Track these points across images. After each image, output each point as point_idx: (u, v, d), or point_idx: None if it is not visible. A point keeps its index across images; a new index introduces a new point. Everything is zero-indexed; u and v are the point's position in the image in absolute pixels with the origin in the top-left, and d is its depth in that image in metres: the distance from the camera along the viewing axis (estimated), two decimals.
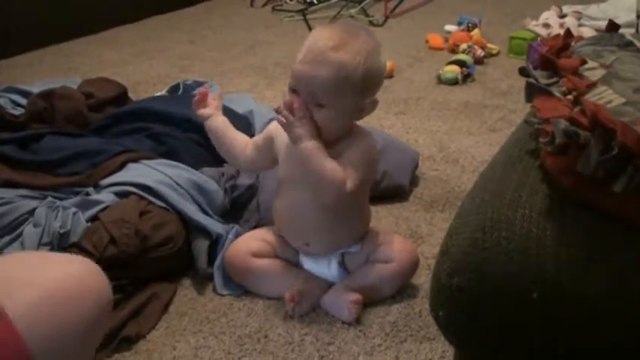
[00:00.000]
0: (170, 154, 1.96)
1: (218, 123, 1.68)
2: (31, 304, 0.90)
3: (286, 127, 1.48)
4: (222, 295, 1.66)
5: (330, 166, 1.48)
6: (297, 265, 1.67)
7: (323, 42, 1.47)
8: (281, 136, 1.58)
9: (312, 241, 1.62)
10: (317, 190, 1.53)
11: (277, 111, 1.50)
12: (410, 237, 1.84)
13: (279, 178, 1.65)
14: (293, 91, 1.50)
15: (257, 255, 1.65)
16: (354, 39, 1.49)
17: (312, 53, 1.47)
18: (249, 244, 1.67)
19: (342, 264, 1.64)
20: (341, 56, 1.46)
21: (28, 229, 1.64)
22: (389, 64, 3.03)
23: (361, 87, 1.49)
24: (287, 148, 1.59)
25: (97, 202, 1.72)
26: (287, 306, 1.58)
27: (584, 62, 1.09)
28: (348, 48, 1.47)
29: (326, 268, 1.64)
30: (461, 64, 3.00)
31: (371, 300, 1.61)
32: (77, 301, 0.95)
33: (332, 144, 1.53)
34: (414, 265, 1.64)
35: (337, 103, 1.48)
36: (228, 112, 2.23)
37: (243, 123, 2.22)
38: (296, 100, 1.47)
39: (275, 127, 1.61)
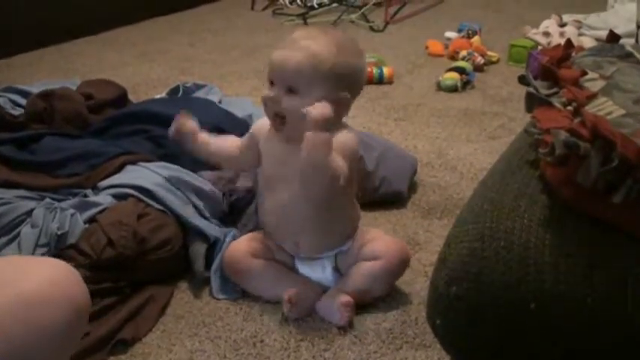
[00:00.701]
0: (169, 157, 1.96)
1: (204, 137, 1.72)
2: (2, 308, 0.90)
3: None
4: (218, 299, 1.65)
5: (334, 161, 1.48)
6: (292, 269, 1.67)
7: (298, 34, 1.55)
8: (265, 135, 1.62)
9: (302, 240, 1.63)
10: (310, 182, 1.51)
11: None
12: (407, 244, 1.83)
13: (263, 178, 1.68)
14: (271, 83, 1.54)
15: (255, 255, 1.65)
16: (330, 35, 1.55)
17: (287, 42, 1.54)
18: (248, 244, 1.67)
19: (336, 268, 1.64)
20: (312, 44, 1.51)
21: (26, 230, 1.64)
22: (388, 70, 3.04)
23: (333, 79, 1.51)
24: (271, 147, 1.62)
25: (95, 204, 1.72)
26: (284, 307, 1.57)
27: (584, 73, 1.09)
28: (320, 40, 1.52)
29: (321, 273, 1.65)
30: (460, 71, 3.00)
31: (364, 301, 1.61)
32: (51, 306, 0.93)
33: None
34: (403, 262, 1.64)
35: (308, 90, 1.50)
36: (227, 115, 2.24)
37: (243, 127, 2.21)
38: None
39: (259, 127, 1.66)
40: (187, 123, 1.71)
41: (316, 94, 1.50)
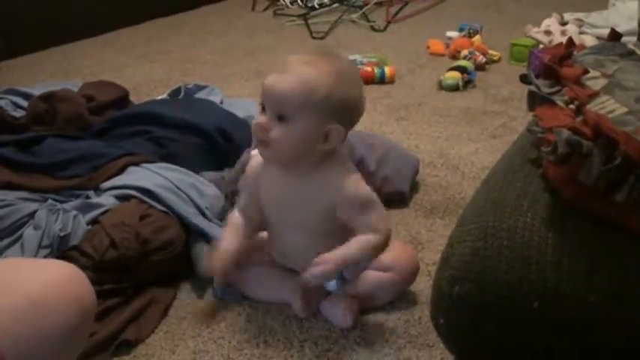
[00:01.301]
0: (171, 158, 1.96)
1: (236, 247, 1.59)
2: (9, 310, 0.90)
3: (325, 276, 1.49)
4: (221, 300, 1.65)
5: (359, 254, 1.49)
6: (295, 272, 1.66)
7: (294, 58, 1.46)
8: (263, 179, 1.57)
9: (306, 267, 1.61)
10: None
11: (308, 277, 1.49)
12: (410, 243, 1.83)
13: (265, 219, 1.61)
14: (263, 108, 1.47)
15: (256, 263, 1.64)
16: (327, 61, 1.45)
17: (282, 66, 1.45)
18: (246, 253, 1.66)
19: (340, 277, 1.63)
20: (307, 70, 1.42)
21: (28, 232, 1.64)
22: (390, 70, 3.04)
23: (326, 108, 1.42)
24: (272, 192, 1.57)
25: (98, 206, 1.72)
26: (295, 307, 1.57)
27: (586, 71, 1.09)
28: (317, 66, 1.43)
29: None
30: (462, 70, 3.00)
31: (370, 307, 1.61)
32: (57, 308, 0.94)
33: (312, 170, 1.50)
34: (413, 273, 1.63)
35: (298, 117, 1.42)
36: (229, 116, 2.25)
37: (244, 127, 2.21)
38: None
39: (255, 171, 1.59)
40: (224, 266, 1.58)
41: (306, 123, 1.43)
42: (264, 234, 1.70)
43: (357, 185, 1.50)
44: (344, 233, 1.49)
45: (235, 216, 1.63)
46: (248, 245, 1.61)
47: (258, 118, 1.47)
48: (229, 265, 1.55)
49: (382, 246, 1.50)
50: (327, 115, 1.43)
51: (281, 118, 1.43)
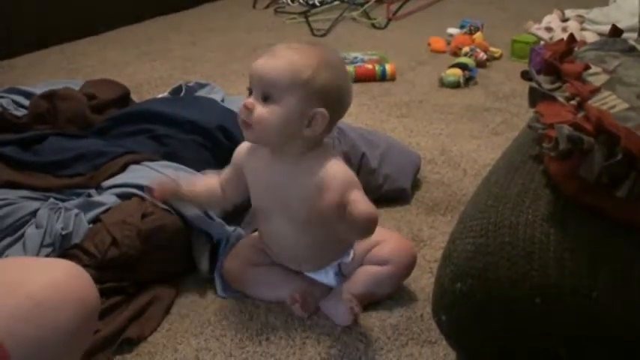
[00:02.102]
0: (172, 156, 1.96)
1: (189, 192, 1.67)
2: (14, 310, 0.90)
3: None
4: (223, 298, 1.66)
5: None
6: (295, 271, 1.66)
7: (281, 45, 1.50)
8: (250, 163, 1.59)
9: (303, 262, 1.63)
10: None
11: None
12: (412, 240, 1.83)
13: (253, 207, 1.65)
14: (249, 91, 1.49)
15: (255, 263, 1.65)
16: (314, 48, 1.50)
17: (269, 51, 1.49)
18: (245, 254, 1.66)
19: (338, 273, 1.64)
20: (294, 54, 1.46)
21: (30, 231, 1.64)
22: (391, 67, 3.04)
23: (310, 91, 1.44)
24: (257, 178, 1.58)
25: (99, 204, 1.72)
26: (294, 307, 1.57)
27: (587, 67, 1.09)
28: (303, 52, 1.47)
29: (324, 277, 1.64)
30: (463, 67, 3.00)
31: (370, 301, 1.61)
32: (62, 307, 0.94)
33: (301, 159, 1.51)
34: (410, 265, 1.63)
35: (283, 98, 1.44)
36: (230, 114, 2.24)
37: None
38: None
39: (242, 154, 1.61)
40: (165, 190, 1.65)
41: (290, 104, 1.44)
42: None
43: (344, 170, 1.51)
44: (329, 223, 1.47)
45: (212, 176, 1.70)
46: (194, 193, 1.67)
47: (245, 100, 1.49)
48: (170, 185, 1.65)
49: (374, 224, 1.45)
50: (312, 98, 1.45)
51: (266, 98, 1.45)
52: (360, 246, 1.62)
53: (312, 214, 1.51)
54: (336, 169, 1.50)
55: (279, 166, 1.53)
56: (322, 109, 1.46)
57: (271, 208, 1.57)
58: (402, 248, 1.64)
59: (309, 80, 1.44)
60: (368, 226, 1.38)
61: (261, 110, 1.45)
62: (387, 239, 1.63)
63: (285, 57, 1.45)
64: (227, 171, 1.68)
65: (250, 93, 1.49)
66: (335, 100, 1.49)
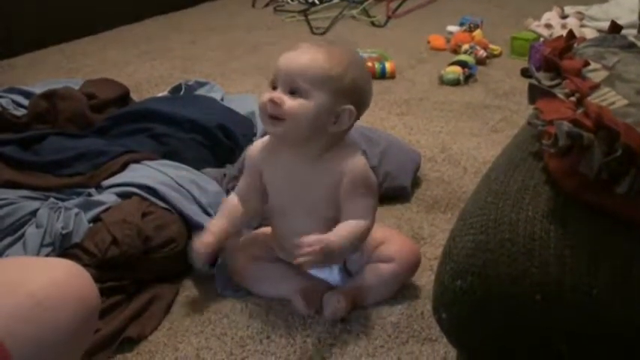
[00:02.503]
0: (172, 155, 1.96)
1: (221, 237, 1.60)
2: (14, 309, 0.90)
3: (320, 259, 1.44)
4: (224, 297, 1.66)
5: (352, 238, 1.49)
6: (298, 267, 1.66)
7: (310, 43, 1.52)
8: (267, 164, 1.59)
9: None
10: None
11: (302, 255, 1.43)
12: (412, 238, 1.83)
13: (270, 206, 1.63)
14: (273, 87, 1.49)
15: (257, 258, 1.65)
16: (341, 48, 1.52)
17: (296, 48, 1.51)
18: (249, 248, 1.66)
19: (343, 269, 1.64)
20: (323, 51, 1.48)
21: (30, 230, 1.64)
22: (390, 65, 3.03)
23: (339, 87, 1.46)
24: (278, 175, 1.58)
25: (99, 203, 1.72)
26: (297, 304, 1.57)
27: (586, 64, 1.09)
28: (332, 50, 1.49)
29: (328, 273, 1.64)
30: (463, 64, 3.00)
31: (373, 300, 1.61)
32: (62, 306, 0.94)
33: (321, 156, 1.52)
34: (414, 264, 1.64)
35: (311, 94, 1.45)
36: (230, 113, 2.25)
37: (246, 124, 2.22)
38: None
39: (257, 154, 1.61)
40: (202, 252, 1.58)
41: (321, 99, 1.45)
42: (267, 229, 1.70)
43: (366, 168, 1.53)
44: None
45: (230, 199, 1.66)
46: (236, 228, 1.63)
47: (268, 94, 1.48)
48: (209, 244, 1.56)
49: (366, 233, 1.52)
50: (341, 95, 1.47)
51: (294, 92, 1.46)
52: (366, 245, 1.62)
53: (331, 213, 1.53)
54: (356, 164, 1.51)
55: (301, 162, 1.53)
56: (350, 106, 1.48)
57: (291, 204, 1.58)
58: (408, 248, 1.64)
59: (340, 77, 1.46)
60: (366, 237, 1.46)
61: (292, 103, 1.45)
62: (393, 239, 1.64)
63: (316, 53, 1.47)
64: (243, 182, 1.65)
65: (274, 88, 1.49)
66: (361, 99, 1.52)
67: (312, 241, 1.42)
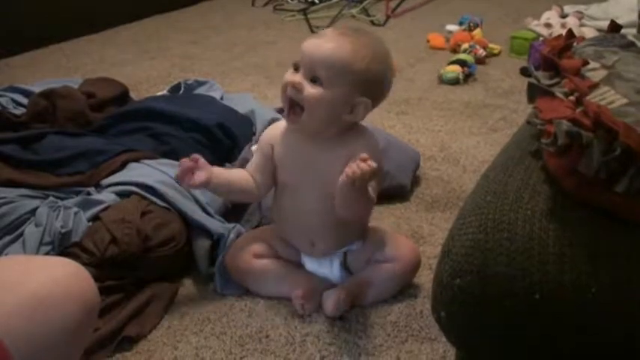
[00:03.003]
0: (171, 154, 1.96)
1: (219, 179, 1.56)
2: (14, 308, 0.90)
3: (365, 176, 1.39)
4: (223, 295, 1.66)
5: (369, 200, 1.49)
6: (298, 265, 1.67)
7: (337, 30, 1.51)
8: (280, 143, 1.58)
9: (317, 240, 1.62)
10: (351, 208, 1.51)
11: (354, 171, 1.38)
12: (411, 237, 1.83)
13: (281, 184, 1.62)
14: (295, 68, 1.49)
15: (258, 256, 1.65)
16: (367, 37, 1.51)
17: (324, 34, 1.50)
18: (249, 245, 1.66)
19: (344, 264, 1.64)
20: (348, 42, 1.46)
21: (30, 229, 1.64)
22: None
23: (359, 80, 1.47)
24: (290, 153, 1.57)
25: (99, 202, 1.72)
26: (296, 304, 1.57)
27: (585, 63, 1.09)
28: (357, 40, 1.48)
29: (328, 269, 1.64)
30: (462, 63, 3.00)
31: (373, 300, 1.61)
32: (62, 305, 0.94)
33: (334, 140, 1.53)
34: (416, 265, 1.64)
35: (331, 83, 1.45)
36: (229, 112, 2.24)
37: (245, 123, 2.22)
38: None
39: (271, 136, 1.60)
40: (198, 178, 1.54)
41: (339, 91, 1.46)
42: (267, 227, 1.71)
43: (376, 150, 1.54)
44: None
45: (241, 169, 1.67)
46: (231, 188, 1.61)
47: (291, 76, 1.48)
48: (201, 175, 1.53)
49: (368, 210, 1.54)
50: (360, 87, 1.47)
51: (315, 80, 1.46)
52: (367, 244, 1.63)
53: None
54: (367, 145, 1.51)
55: (313, 143, 1.53)
56: (367, 100, 1.49)
57: (302, 183, 1.57)
58: (408, 249, 1.65)
59: (361, 71, 1.46)
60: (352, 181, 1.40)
61: (311, 91, 1.46)
62: (394, 239, 1.65)
63: (343, 43, 1.46)
64: (256, 159, 1.64)
65: (296, 69, 1.49)
66: (379, 92, 1.53)
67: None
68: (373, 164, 1.37)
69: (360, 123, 1.57)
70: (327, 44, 1.46)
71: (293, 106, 1.49)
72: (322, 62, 1.45)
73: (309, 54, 1.46)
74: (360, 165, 1.36)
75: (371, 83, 1.49)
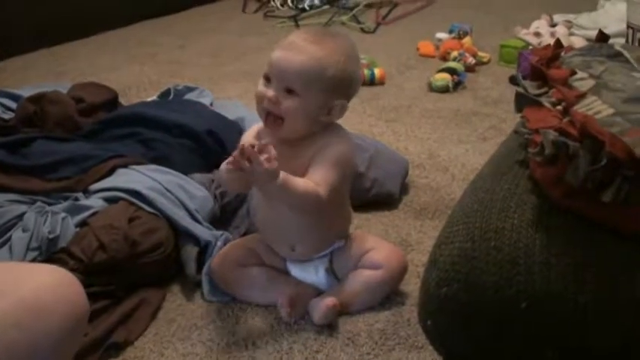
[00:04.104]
0: (160, 160, 1.96)
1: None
2: (3, 314, 0.90)
3: (252, 170, 1.38)
4: (210, 302, 1.65)
5: (302, 189, 1.46)
6: (284, 272, 1.66)
7: (303, 36, 1.51)
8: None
9: (298, 244, 1.62)
10: (297, 210, 1.54)
11: (236, 158, 1.38)
12: (400, 245, 1.83)
13: (256, 190, 1.62)
14: (267, 79, 1.49)
15: (243, 264, 1.64)
16: (334, 40, 1.52)
17: (291, 44, 1.50)
18: (234, 254, 1.66)
19: (329, 270, 1.64)
20: (318, 49, 1.48)
21: (17, 234, 1.63)
22: (379, 72, 3.04)
23: (333, 85, 1.49)
24: None
25: (87, 208, 1.72)
26: (282, 311, 1.57)
27: (573, 73, 1.10)
28: (326, 45, 1.49)
29: (314, 275, 1.64)
30: (452, 71, 3.00)
31: (360, 307, 1.61)
32: (50, 312, 0.94)
33: (305, 139, 1.53)
34: (402, 272, 1.64)
35: (307, 92, 1.47)
36: (219, 118, 2.24)
37: (234, 129, 2.21)
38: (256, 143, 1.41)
39: (251, 138, 1.58)
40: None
41: (315, 98, 1.48)
42: (254, 236, 1.71)
43: (343, 149, 1.55)
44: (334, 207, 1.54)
45: None
46: None
47: (264, 90, 1.49)
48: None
49: (312, 200, 1.48)
50: (334, 91, 1.50)
51: (290, 91, 1.47)
52: (354, 251, 1.63)
53: None
54: (337, 143, 1.54)
55: (290, 144, 1.53)
56: (344, 101, 1.52)
57: None
58: (395, 256, 1.64)
59: (336, 76, 1.48)
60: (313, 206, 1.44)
61: (289, 104, 1.47)
62: (380, 246, 1.65)
63: (311, 52, 1.47)
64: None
65: (267, 80, 1.49)
66: (353, 90, 1.56)
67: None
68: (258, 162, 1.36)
69: (335, 122, 1.58)
70: (297, 57, 1.47)
71: (271, 117, 1.50)
72: (295, 75, 1.46)
73: (280, 68, 1.48)
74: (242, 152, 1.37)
75: (345, 85, 1.52)
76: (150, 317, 1.60)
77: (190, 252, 1.70)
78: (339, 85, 1.50)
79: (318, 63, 1.47)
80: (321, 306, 1.55)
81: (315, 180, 1.49)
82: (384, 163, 2.05)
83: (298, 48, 1.48)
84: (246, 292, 1.64)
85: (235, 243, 1.71)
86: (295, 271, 1.65)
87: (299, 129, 1.51)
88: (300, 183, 1.47)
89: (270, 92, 1.48)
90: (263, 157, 1.37)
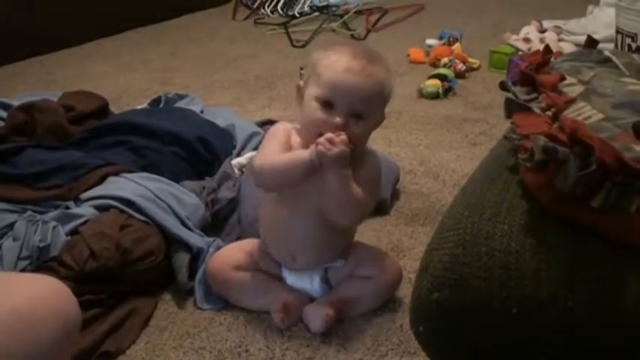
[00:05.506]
0: (151, 168, 1.96)
1: None
2: None
3: (333, 150, 1.43)
4: (202, 310, 1.65)
5: (361, 195, 1.50)
6: (279, 279, 1.66)
7: (356, 59, 1.49)
8: (297, 146, 1.57)
9: (299, 254, 1.61)
10: (337, 213, 1.53)
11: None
12: (391, 251, 1.84)
13: (269, 193, 1.62)
14: (327, 105, 1.49)
15: (239, 268, 1.64)
16: (380, 57, 1.56)
17: (350, 69, 1.48)
18: (231, 257, 1.66)
19: (324, 279, 1.64)
20: (377, 71, 1.51)
21: (7, 243, 1.63)
22: None
23: (386, 102, 1.56)
24: None
25: (77, 216, 1.72)
26: (275, 317, 1.57)
27: (563, 78, 1.10)
28: (380, 64, 1.53)
29: (309, 284, 1.64)
30: (442, 78, 3.01)
31: (353, 314, 1.61)
32: (42, 322, 0.94)
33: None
34: (396, 282, 1.65)
35: (372, 114, 1.52)
36: (210, 125, 2.24)
37: (225, 137, 2.22)
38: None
39: (286, 128, 1.60)
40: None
41: (376, 118, 1.55)
42: (249, 240, 1.70)
43: (378, 164, 1.63)
44: None
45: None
46: None
47: (326, 117, 1.48)
48: None
49: (358, 210, 1.54)
50: (385, 105, 1.58)
51: (359, 116, 1.50)
52: (352, 259, 1.63)
53: None
54: (372, 157, 1.61)
55: None
56: (384, 114, 1.59)
57: (293, 194, 1.55)
58: (390, 265, 1.65)
59: (389, 93, 1.55)
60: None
61: (359, 129, 1.50)
62: (375, 255, 1.66)
63: (374, 75, 1.50)
64: (274, 147, 1.57)
65: (327, 106, 1.49)
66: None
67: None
68: (343, 147, 1.42)
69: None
70: (365, 82, 1.48)
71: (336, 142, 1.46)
72: (365, 100, 1.49)
73: (349, 95, 1.48)
74: (329, 138, 1.43)
75: (390, 96, 1.57)
76: (141, 325, 1.59)
77: (182, 259, 1.70)
78: (388, 100, 1.56)
79: (381, 85, 1.52)
80: (320, 314, 1.55)
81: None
82: None
83: (362, 72, 1.48)
84: (238, 295, 1.64)
85: (233, 245, 1.72)
86: (290, 278, 1.65)
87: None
88: (358, 187, 1.50)
89: (338, 119, 1.48)
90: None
